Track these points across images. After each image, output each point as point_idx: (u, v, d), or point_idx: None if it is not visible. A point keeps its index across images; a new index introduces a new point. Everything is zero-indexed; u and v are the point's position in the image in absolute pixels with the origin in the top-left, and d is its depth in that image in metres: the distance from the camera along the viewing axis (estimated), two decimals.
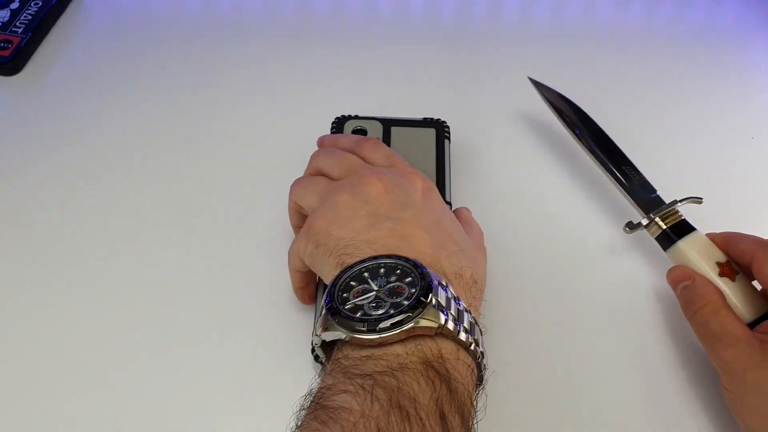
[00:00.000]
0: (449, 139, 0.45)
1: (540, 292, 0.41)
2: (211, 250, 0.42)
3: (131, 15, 0.58)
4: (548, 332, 0.39)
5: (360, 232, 0.32)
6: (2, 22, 0.55)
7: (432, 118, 0.45)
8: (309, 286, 0.38)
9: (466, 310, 0.30)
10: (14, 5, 0.57)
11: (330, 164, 0.37)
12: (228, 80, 0.53)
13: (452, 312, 0.28)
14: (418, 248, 0.31)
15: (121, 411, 0.35)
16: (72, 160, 0.47)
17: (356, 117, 0.45)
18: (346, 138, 0.41)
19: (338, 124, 0.45)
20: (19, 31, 0.54)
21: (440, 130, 0.44)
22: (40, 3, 0.57)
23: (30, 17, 0.56)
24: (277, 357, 0.38)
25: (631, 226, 0.41)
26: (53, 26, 0.57)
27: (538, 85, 0.48)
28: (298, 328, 0.38)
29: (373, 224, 0.32)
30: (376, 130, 0.44)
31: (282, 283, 0.40)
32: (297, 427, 0.26)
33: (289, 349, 0.38)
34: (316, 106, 0.51)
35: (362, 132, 0.45)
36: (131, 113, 0.50)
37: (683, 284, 0.37)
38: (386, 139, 0.43)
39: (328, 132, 0.45)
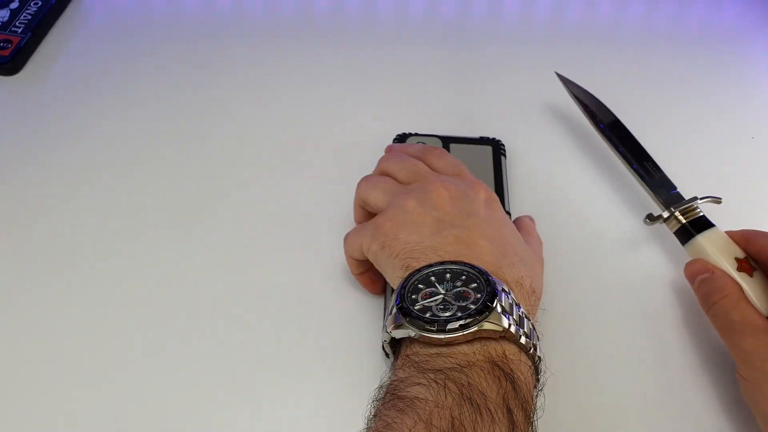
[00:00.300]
0: (505, 156, 0.47)
1: (563, 283, 0.41)
2: (211, 250, 0.42)
3: (131, 15, 0.58)
4: (565, 325, 0.40)
5: (426, 238, 0.33)
6: (2, 22, 0.55)
7: (488, 137, 0.48)
8: (369, 272, 0.39)
9: (526, 317, 0.31)
10: (14, 5, 0.57)
11: (398, 168, 0.39)
12: (228, 80, 0.53)
13: (514, 317, 0.30)
14: (481, 256, 0.33)
15: (122, 411, 0.35)
16: (72, 159, 0.47)
17: (416, 134, 0.47)
18: (414, 146, 0.42)
19: (399, 140, 0.47)
20: (19, 30, 0.54)
21: (496, 147, 0.47)
22: (40, 3, 0.57)
23: (29, 17, 0.56)
24: (271, 359, 0.38)
25: (652, 218, 0.42)
26: (53, 26, 0.57)
27: (564, 80, 0.49)
28: (307, 325, 0.39)
29: (438, 231, 0.34)
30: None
31: (286, 286, 0.40)
32: (373, 416, 0.28)
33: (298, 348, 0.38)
34: (317, 106, 0.51)
35: None
36: (131, 113, 0.50)
37: (701, 277, 0.38)
38: None
39: (333, 131, 0.45)
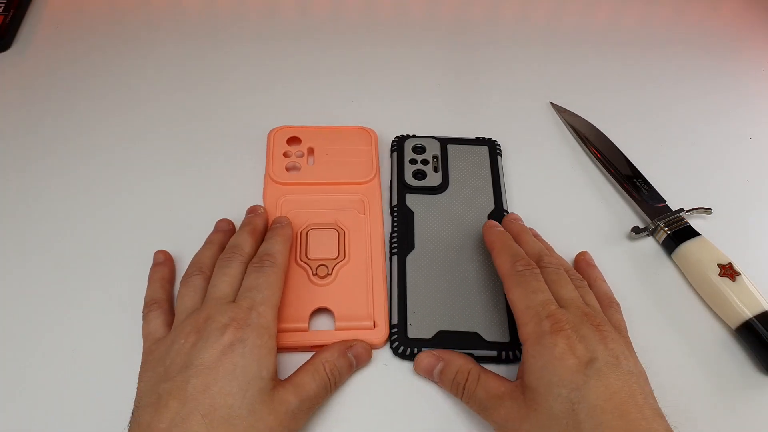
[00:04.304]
0: (501, 156, 0.47)
1: None
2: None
3: None
4: None
5: (143, 391, 0.32)
6: None
7: (484, 138, 0.48)
8: None
9: None
10: None
11: (217, 281, 0.36)
12: (227, 76, 0.52)
13: None
14: (155, 423, 0.30)
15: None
16: (71, 135, 0.47)
17: (414, 136, 0.47)
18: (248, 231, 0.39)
19: (398, 143, 0.46)
20: (1, 9, 0.54)
21: (493, 148, 0.47)
22: None
23: None
24: None
25: (637, 231, 0.43)
26: (32, 2, 0.56)
27: (558, 109, 0.51)
28: None
29: (156, 383, 0.32)
30: (434, 147, 0.46)
31: None
32: None
33: None
34: (316, 106, 0.50)
35: (421, 149, 0.46)
36: (125, 85, 0.50)
37: (437, 369, 0.36)
38: (443, 155, 0.46)
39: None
